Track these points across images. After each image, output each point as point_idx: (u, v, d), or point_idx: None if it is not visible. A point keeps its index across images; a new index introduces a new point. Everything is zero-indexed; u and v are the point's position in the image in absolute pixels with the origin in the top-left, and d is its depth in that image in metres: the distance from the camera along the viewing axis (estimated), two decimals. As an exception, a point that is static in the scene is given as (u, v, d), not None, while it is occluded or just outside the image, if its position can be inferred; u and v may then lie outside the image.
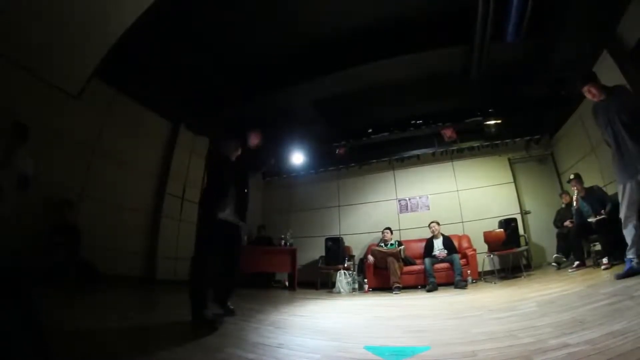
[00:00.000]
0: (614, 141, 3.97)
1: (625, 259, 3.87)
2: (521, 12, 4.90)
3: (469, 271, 7.06)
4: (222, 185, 3.80)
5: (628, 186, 3.86)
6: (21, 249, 4.59)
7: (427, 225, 7.99)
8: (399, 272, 7.06)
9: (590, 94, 4.16)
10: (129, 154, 6.85)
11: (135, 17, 4.87)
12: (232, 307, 3.86)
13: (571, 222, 6.44)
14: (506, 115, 7.96)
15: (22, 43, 4.74)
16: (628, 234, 3.87)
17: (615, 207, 4.38)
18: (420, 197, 9.63)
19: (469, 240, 8.09)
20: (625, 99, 3.97)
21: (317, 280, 8.44)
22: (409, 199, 9.66)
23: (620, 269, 4.09)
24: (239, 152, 4.10)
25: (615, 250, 5.04)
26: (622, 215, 3.93)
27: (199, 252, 3.66)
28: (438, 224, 7.92)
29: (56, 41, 4.95)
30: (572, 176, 6.30)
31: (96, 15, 4.83)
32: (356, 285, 7.75)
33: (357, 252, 9.12)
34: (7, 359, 1.58)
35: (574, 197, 6.27)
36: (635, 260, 3.73)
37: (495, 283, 6.57)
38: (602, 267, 4.98)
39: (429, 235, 7.94)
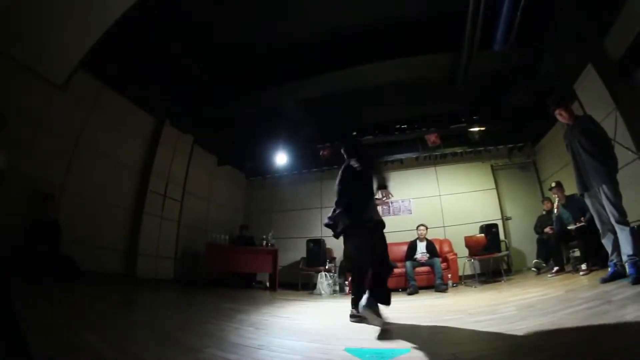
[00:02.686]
0: (572, 159, 4.36)
1: (609, 263, 4.03)
2: (510, 21, 4.96)
3: (449, 275, 7.11)
4: None
5: (589, 200, 4.18)
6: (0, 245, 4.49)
7: (415, 227, 8.01)
8: (380, 275, 7.07)
9: (561, 116, 4.50)
10: (112, 148, 6.72)
11: (125, 8, 4.75)
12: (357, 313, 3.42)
13: (551, 228, 6.54)
14: (490, 123, 8.04)
15: (6, 30, 4.59)
16: (607, 242, 4.04)
17: (594, 215, 4.52)
18: (402, 201, 9.68)
19: (450, 245, 8.17)
20: (587, 126, 4.26)
21: (299, 282, 8.42)
22: (392, 203, 9.66)
23: (598, 274, 4.20)
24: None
25: (593, 256, 5.20)
26: (598, 225, 4.15)
27: None
28: (426, 227, 7.94)
29: (42, 29, 4.79)
30: (553, 184, 6.43)
31: (85, 4, 4.72)
32: (337, 287, 7.75)
33: (339, 254, 9.07)
34: None
35: (555, 204, 6.38)
36: (619, 264, 3.88)
37: (475, 287, 6.62)
38: (581, 272, 5.10)
39: (413, 237, 7.96)
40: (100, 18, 4.89)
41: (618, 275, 3.84)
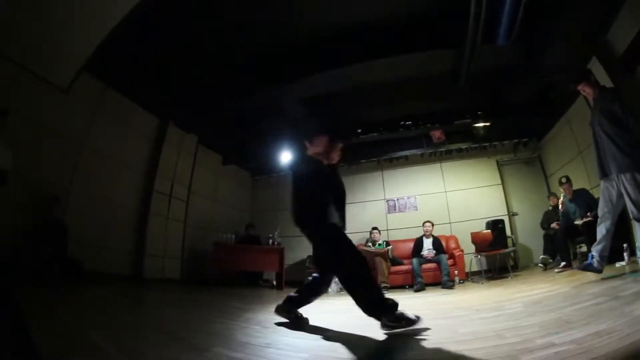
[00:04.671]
0: (593, 140, 4.09)
1: (590, 254, 4.02)
2: (513, 16, 4.93)
3: (456, 271, 7.10)
4: None
5: (603, 184, 3.98)
6: (5, 246, 4.50)
7: (421, 224, 8.00)
8: (386, 272, 7.08)
9: (585, 92, 4.23)
10: (117, 149, 6.76)
11: (127, 10, 4.77)
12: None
13: (558, 224, 6.51)
14: (495, 118, 8.01)
15: (11, 34, 4.62)
16: (600, 231, 3.95)
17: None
18: (408, 198, 9.68)
19: (456, 241, 8.15)
20: (608, 106, 3.98)
21: (305, 280, 8.40)
22: (397, 200, 9.69)
23: (605, 270, 4.15)
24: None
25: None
26: (599, 211, 4.03)
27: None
28: (432, 224, 7.94)
29: (46, 33, 4.82)
30: (564, 180, 6.35)
31: (87, 8, 4.73)
32: (344, 285, 7.73)
33: (344, 252, 9.08)
34: None
35: (560, 200, 6.34)
36: (597, 259, 3.87)
37: (482, 283, 6.61)
38: (588, 268, 5.03)
39: (419, 234, 7.96)
40: (103, 20, 4.91)
41: (591, 268, 3.90)
